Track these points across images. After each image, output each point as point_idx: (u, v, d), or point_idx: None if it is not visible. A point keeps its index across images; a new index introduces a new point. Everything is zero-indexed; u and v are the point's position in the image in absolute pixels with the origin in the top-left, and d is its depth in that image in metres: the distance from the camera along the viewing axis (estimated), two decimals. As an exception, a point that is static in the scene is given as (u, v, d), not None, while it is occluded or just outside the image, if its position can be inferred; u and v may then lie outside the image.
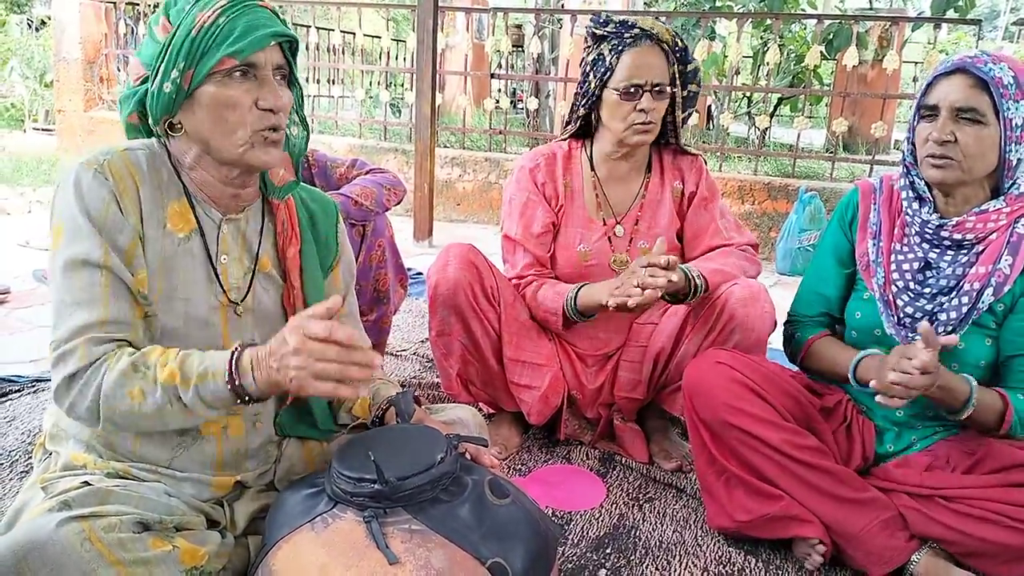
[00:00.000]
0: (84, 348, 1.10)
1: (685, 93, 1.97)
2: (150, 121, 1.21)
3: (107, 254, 1.13)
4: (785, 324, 1.82)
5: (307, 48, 6.41)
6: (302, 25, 6.59)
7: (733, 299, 1.80)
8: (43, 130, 9.08)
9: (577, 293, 1.90)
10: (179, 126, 1.19)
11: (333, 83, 6.64)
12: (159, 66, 1.15)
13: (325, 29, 6.64)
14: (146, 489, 1.16)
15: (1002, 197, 1.51)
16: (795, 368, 1.79)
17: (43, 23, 10.03)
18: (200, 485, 1.25)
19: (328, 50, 6.56)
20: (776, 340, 1.90)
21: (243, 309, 1.27)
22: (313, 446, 1.41)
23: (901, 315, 1.57)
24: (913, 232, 1.59)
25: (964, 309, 1.50)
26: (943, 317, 1.52)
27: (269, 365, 1.07)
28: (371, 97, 6.91)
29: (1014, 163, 1.48)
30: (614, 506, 1.82)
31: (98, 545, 1.00)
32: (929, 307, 1.54)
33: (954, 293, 1.52)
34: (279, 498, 1.20)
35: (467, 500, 1.10)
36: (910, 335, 1.55)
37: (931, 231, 1.55)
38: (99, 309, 1.12)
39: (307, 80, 6.79)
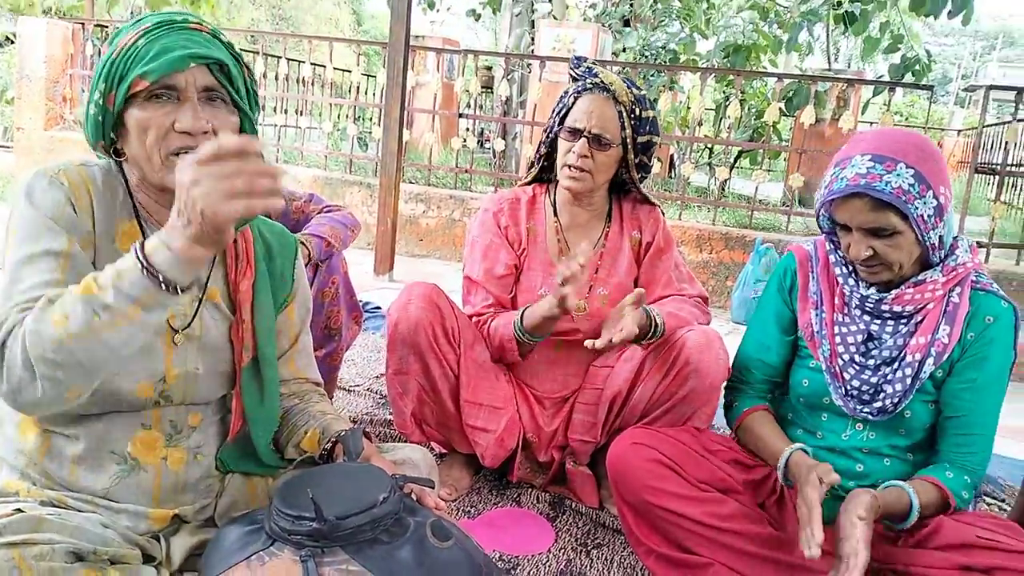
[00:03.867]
0: (14, 315, 1.04)
1: (637, 161, 2.00)
2: (89, 144, 1.20)
3: (71, 243, 1.12)
4: (726, 388, 1.83)
5: (276, 78, 6.41)
6: (273, 55, 6.60)
7: (689, 344, 1.82)
8: (2, 147, 8.91)
9: (524, 312, 1.91)
10: (122, 150, 1.19)
11: (301, 114, 6.64)
12: (91, 89, 1.15)
13: (296, 60, 6.66)
14: (81, 519, 1.13)
15: (938, 268, 1.53)
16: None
17: (8, 39, 9.90)
18: (137, 517, 1.22)
19: (298, 81, 6.57)
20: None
21: (185, 337, 1.24)
22: (257, 482, 1.38)
23: (848, 387, 1.59)
24: (854, 304, 1.60)
25: (908, 381, 1.53)
26: (889, 389, 1.54)
27: (175, 224, 0.98)
28: (339, 130, 6.92)
29: (937, 243, 1.49)
30: (562, 551, 1.81)
31: (28, 573, 0.97)
32: (874, 379, 1.56)
33: (897, 364, 1.54)
34: (217, 534, 1.17)
35: (408, 542, 1.08)
36: (858, 407, 1.57)
37: (871, 304, 1.57)
38: (48, 289, 1.06)
39: (274, 110, 6.77)
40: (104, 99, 1.13)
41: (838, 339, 1.60)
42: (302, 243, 2.03)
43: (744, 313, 4.52)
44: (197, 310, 1.26)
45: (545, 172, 2.10)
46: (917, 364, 1.52)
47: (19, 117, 6.89)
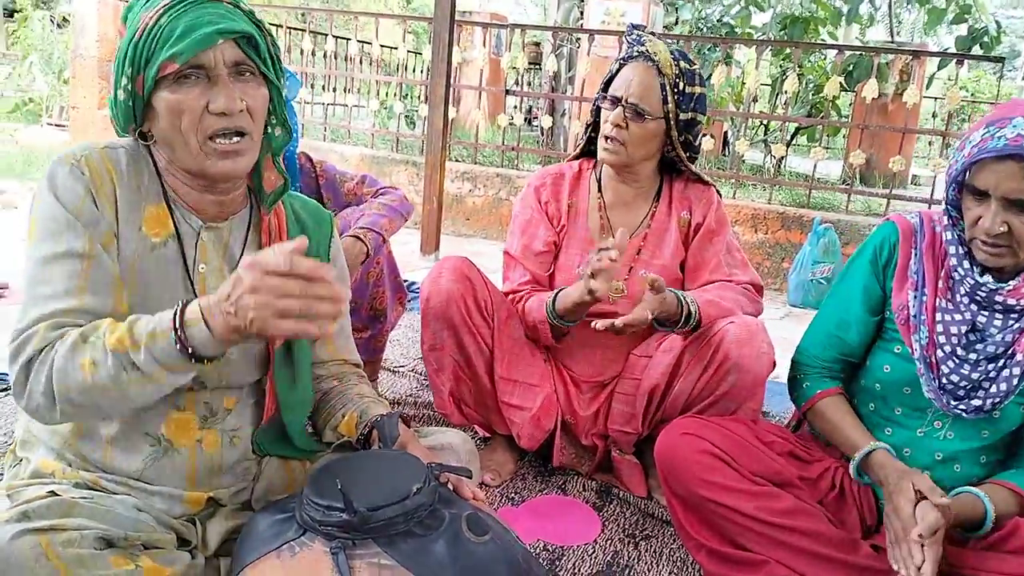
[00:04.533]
0: (42, 332, 1.04)
1: (681, 139, 1.90)
2: (118, 130, 1.16)
3: (90, 243, 1.09)
4: (793, 362, 1.71)
5: (324, 56, 6.40)
6: (320, 33, 6.59)
7: (728, 338, 1.72)
8: (57, 125, 9.12)
9: (555, 298, 1.84)
10: (150, 134, 1.14)
11: (348, 92, 6.63)
12: (115, 75, 1.10)
13: (343, 38, 6.64)
14: (114, 502, 1.11)
15: None
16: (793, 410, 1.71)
17: (65, 20, 10.11)
18: (172, 500, 1.19)
19: (345, 59, 6.55)
20: (782, 372, 1.82)
21: None
22: (295, 465, 1.35)
23: (944, 380, 1.45)
24: (962, 291, 1.45)
25: (1015, 381, 1.40)
26: (992, 389, 1.41)
27: (224, 310, 0.96)
28: (385, 108, 6.89)
29: None
30: (609, 542, 1.74)
31: (54, 561, 0.95)
32: (975, 376, 1.43)
33: (1002, 362, 1.41)
34: (250, 521, 1.14)
35: (442, 535, 1.03)
36: (952, 402, 1.44)
37: (984, 294, 1.42)
38: (73, 300, 1.06)
39: (323, 88, 6.77)
40: (132, 83, 1.09)
41: (939, 327, 1.45)
42: (358, 238, 1.98)
43: (801, 296, 4.37)
44: None
45: (593, 145, 2.01)
46: None
47: (74, 96, 7.02)
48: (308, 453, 1.34)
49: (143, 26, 1.07)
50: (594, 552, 1.69)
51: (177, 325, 0.99)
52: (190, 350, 0.99)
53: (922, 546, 1.30)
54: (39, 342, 1.03)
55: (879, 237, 1.57)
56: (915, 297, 1.49)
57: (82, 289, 1.07)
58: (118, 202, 1.13)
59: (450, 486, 1.17)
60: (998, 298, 1.41)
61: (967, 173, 1.37)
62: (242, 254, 1.24)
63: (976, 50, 6.54)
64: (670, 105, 1.84)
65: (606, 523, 1.82)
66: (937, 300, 1.47)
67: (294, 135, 2.00)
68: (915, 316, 1.49)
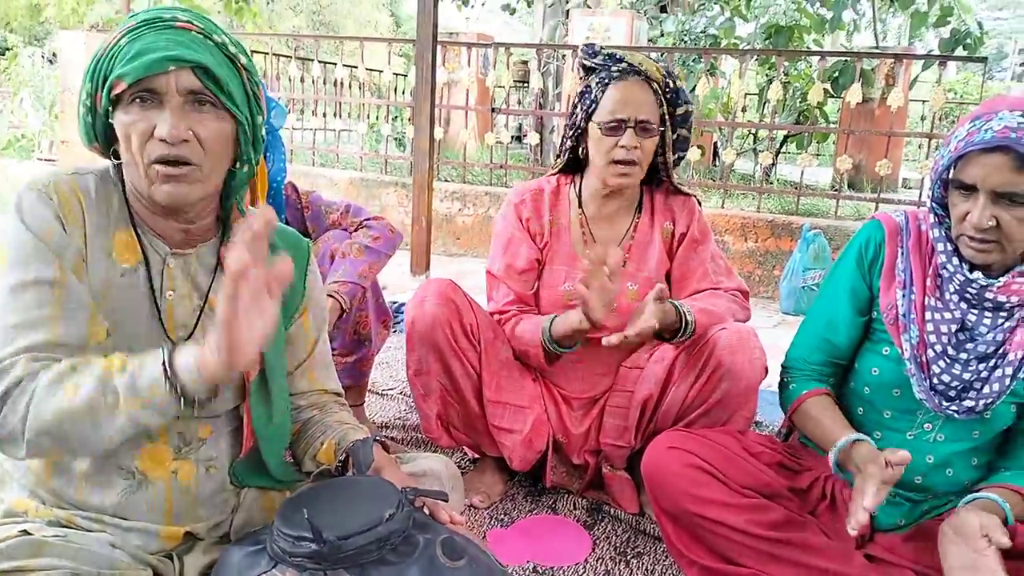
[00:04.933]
0: (24, 362, 1.03)
1: (675, 137, 1.90)
2: (84, 145, 1.16)
3: (61, 270, 1.08)
4: (782, 368, 1.69)
5: (311, 82, 6.42)
6: (306, 59, 6.61)
7: (720, 344, 1.71)
8: (47, 160, 9.14)
9: (552, 321, 1.82)
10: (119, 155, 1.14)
11: (336, 116, 6.64)
12: (80, 89, 1.11)
13: (329, 63, 6.67)
14: (88, 540, 1.09)
15: None
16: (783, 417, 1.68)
17: (55, 55, 10.17)
18: (147, 535, 1.17)
19: (332, 83, 6.57)
20: (775, 380, 1.80)
21: None
22: (275, 496, 1.32)
23: (935, 381, 1.42)
24: (951, 289, 1.42)
25: (1007, 380, 1.37)
26: (985, 390, 1.39)
27: (209, 354, 1.01)
28: (374, 131, 6.91)
29: None
30: (600, 562, 1.71)
31: None
32: (967, 376, 1.40)
33: (994, 361, 1.39)
34: (223, 554, 1.12)
35: (416, 562, 1.01)
36: (943, 403, 1.42)
37: (974, 291, 1.39)
38: (47, 331, 1.05)
39: (311, 114, 6.79)
40: (91, 99, 1.09)
41: (929, 326, 1.42)
42: (332, 296, 1.93)
43: (793, 303, 4.36)
44: (198, 320, 1.20)
45: (570, 163, 2.00)
46: (1018, 363, 1.37)
47: (63, 130, 7.05)
48: (287, 483, 1.32)
49: (108, 44, 1.08)
50: (585, 572, 1.67)
51: (166, 368, 1.02)
52: (179, 391, 1.02)
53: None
54: (21, 370, 1.02)
55: (864, 236, 1.54)
56: (903, 296, 1.46)
57: (55, 317, 1.06)
58: (87, 227, 1.12)
59: (426, 510, 1.15)
60: (988, 295, 1.38)
61: (953, 169, 1.35)
62: (211, 283, 1.23)
63: (960, 52, 6.58)
64: (664, 108, 1.84)
65: (597, 542, 1.79)
66: (926, 298, 1.44)
67: (282, 166, 1.99)
68: (904, 315, 1.46)
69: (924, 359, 1.43)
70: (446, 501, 1.17)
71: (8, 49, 11.57)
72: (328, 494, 1.11)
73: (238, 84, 1.14)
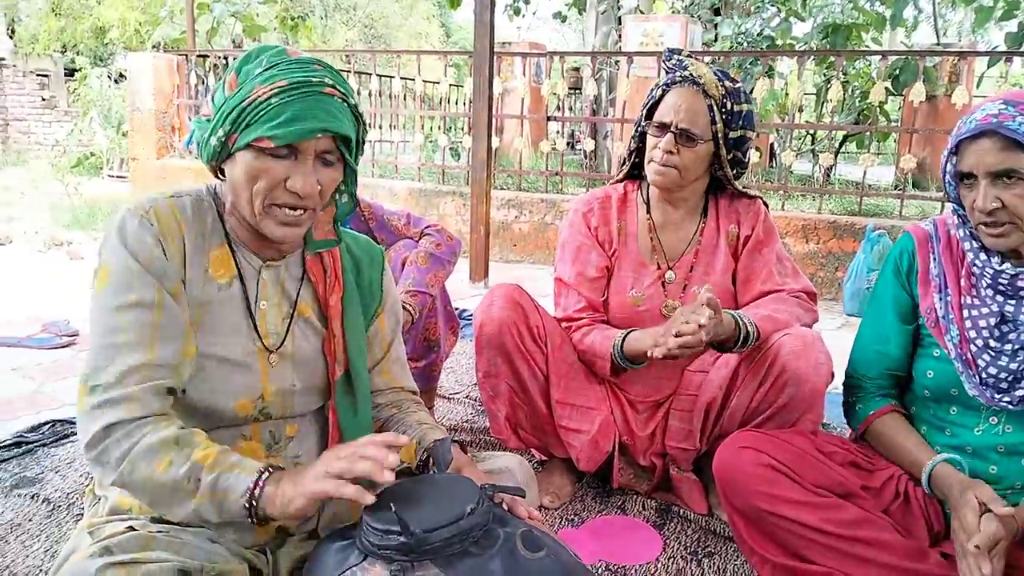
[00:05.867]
0: (135, 399, 1.09)
1: (730, 157, 1.90)
2: (203, 162, 1.22)
3: (159, 293, 1.13)
4: (844, 387, 1.71)
5: (369, 95, 6.55)
6: (364, 72, 6.76)
7: (785, 350, 1.71)
8: (118, 177, 9.50)
9: (624, 339, 1.84)
10: (224, 173, 1.20)
11: (393, 128, 6.77)
12: (215, 120, 1.15)
13: (386, 76, 6.80)
14: (189, 535, 1.15)
15: None
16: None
17: (122, 76, 10.59)
18: (243, 530, 1.23)
19: (389, 96, 6.70)
20: (841, 382, 1.80)
21: (280, 355, 1.26)
22: (359, 494, 1.37)
23: (984, 375, 1.45)
24: (984, 284, 1.46)
25: None
26: None
27: (295, 494, 1.06)
28: (430, 142, 7.02)
29: None
30: (671, 560, 1.73)
31: None
32: (1013, 365, 1.41)
33: None
34: (315, 549, 1.17)
35: (498, 554, 1.04)
36: (996, 396, 1.43)
37: (1005, 281, 1.42)
38: (146, 352, 1.11)
39: (369, 126, 6.92)
40: (226, 137, 1.14)
41: (968, 323, 1.46)
42: (403, 306, 2.00)
43: (857, 305, 4.29)
44: (288, 328, 1.27)
45: (637, 168, 2.03)
46: None
47: (133, 148, 7.32)
48: (370, 482, 1.37)
49: (254, 97, 1.11)
50: (657, 571, 1.69)
51: (253, 498, 1.07)
52: (254, 511, 1.07)
53: (988, 559, 1.27)
54: (128, 409, 1.08)
55: (898, 249, 1.61)
56: (940, 298, 1.51)
57: (153, 339, 1.12)
58: (186, 248, 1.19)
59: (505, 506, 1.19)
60: (1020, 283, 1.41)
61: (952, 164, 1.42)
62: (298, 292, 1.29)
63: (1027, 46, 6.39)
64: (718, 125, 1.84)
65: (668, 542, 1.81)
66: (962, 298, 1.48)
67: None
68: (944, 317, 1.50)
69: (969, 356, 1.46)
70: (523, 497, 1.20)
71: (77, 70, 12.04)
72: (412, 491, 1.15)
73: (356, 137, 1.20)
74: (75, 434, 2.28)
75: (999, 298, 1.45)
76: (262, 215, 1.16)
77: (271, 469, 1.09)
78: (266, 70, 1.13)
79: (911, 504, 1.55)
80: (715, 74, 1.86)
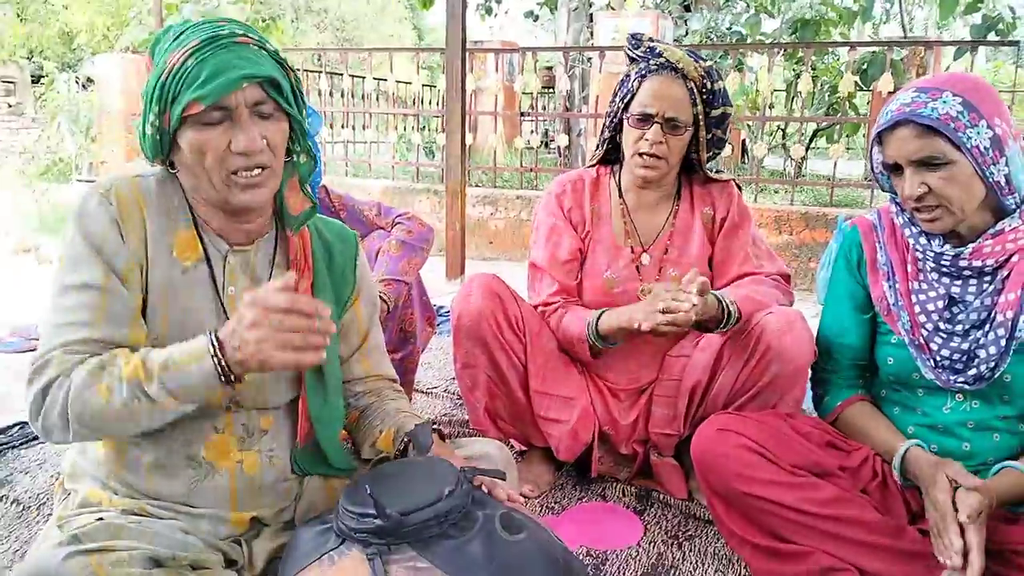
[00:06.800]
0: (59, 357, 1.09)
1: (710, 136, 1.90)
2: (147, 160, 1.20)
3: (106, 275, 1.12)
4: (812, 381, 1.73)
5: (341, 95, 6.52)
6: (336, 73, 6.72)
7: (769, 328, 1.72)
8: (86, 181, 9.35)
9: (599, 318, 1.84)
10: (176, 164, 1.19)
11: (366, 128, 6.74)
12: (144, 107, 1.14)
13: (358, 76, 6.77)
14: (161, 526, 1.13)
15: (1016, 214, 1.41)
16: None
17: (90, 80, 10.43)
18: (217, 522, 1.22)
19: (361, 96, 6.66)
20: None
21: None
22: (336, 483, 1.36)
23: (937, 358, 1.47)
24: (928, 268, 1.49)
25: (1003, 342, 1.40)
26: (983, 354, 1.42)
27: (231, 344, 1.05)
28: (404, 140, 7.00)
29: (1003, 181, 1.37)
30: (652, 545, 1.73)
31: None
32: (965, 345, 1.44)
33: (987, 326, 1.42)
34: (293, 536, 1.16)
35: (477, 536, 1.04)
36: (951, 377, 1.46)
37: (948, 263, 1.45)
38: (88, 330, 1.11)
39: (342, 126, 6.90)
40: (159, 119, 1.12)
41: (917, 308, 1.49)
42: (379, 297, 1.98)
43: (830, 294, 4.33)
44: None
45: (610, 154, 2.02)
46: (1010, 323, 1.39)
47: (102, 151, 7.22)
48: (346, 470, 1.35)
49: (170, 66, 1.10)
50: (638, 555, 1.69)
51: (215, 350, 1.06)
52: (221, 372, 1.06)
53: (962, 533, 1.29)
54: (57, 367, 1.08)
55: (847, 243, 1.66)
56: (889, 286, 1.54)
57: (97, 320, 1.11)
58: (148, 229, 1.17)
59: (484, 489, 1.18)
60: (963, 263, 1.44)
61: (879, 154, 1.46)
62: (270, 276, 1.27)
63: (992, 38, 6.48)
64: (699, 108, 1.84)
65: (648, 526, 1.81)
66: (910, 283, 1.51)
67: (317, 173, 2.05)
68: (894, 304, 1.53)
69: (922, 340, 1.49)
70: (503, 480, 1.19)
71: (44, 76, 11.85)
72: (390, 475, 1.14)
73: (289, 86, 1.18)
74: (45, 436, 2.24)
75: (945, 280, 1.47)
76: (224, 188, 1.15)
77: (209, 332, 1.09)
78: (175, 38, 1.13)
79: (888, 483, 1.56)
80: (689, 55, 1.85)
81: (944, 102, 1.34)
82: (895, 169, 1.43)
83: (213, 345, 1.06)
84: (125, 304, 1.14)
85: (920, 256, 1.50)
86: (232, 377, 1.07)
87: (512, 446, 2.16)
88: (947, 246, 1.45)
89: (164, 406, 1.07)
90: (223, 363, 1.05)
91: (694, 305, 1.60)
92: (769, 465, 1.50)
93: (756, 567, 1.54)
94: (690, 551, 1.71)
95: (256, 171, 1.15)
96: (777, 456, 1.51)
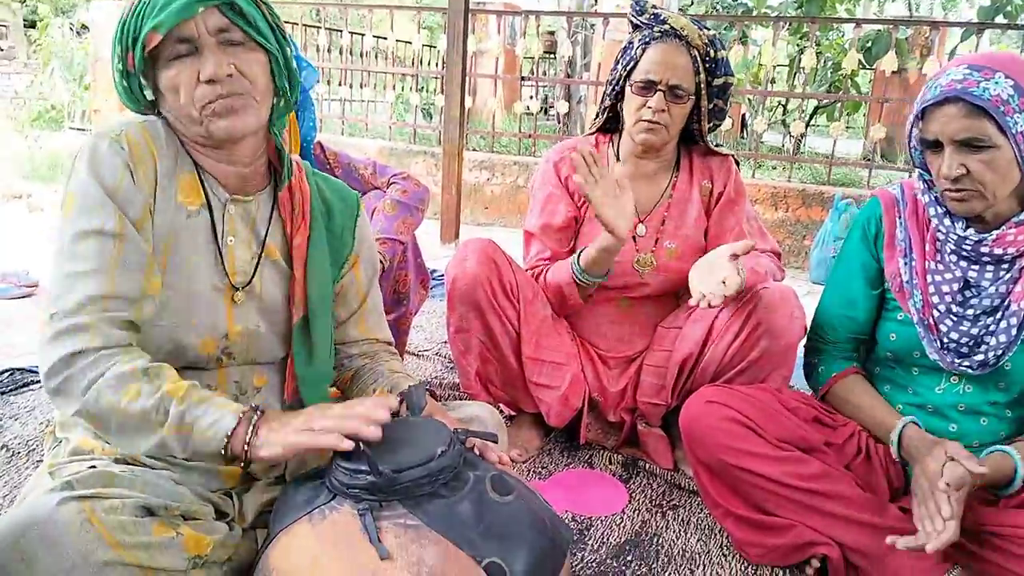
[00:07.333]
0: (97, 328, 1.06)
1: (711, 106, 1.90)
2: (131, 110, 1.19)
3: (121, 222, 1.10)
4: (806, 349, 1.73)
5: (339, 52, 6.43)
6: (335, 29, 6.62)
7: (761, 303, 1.73)
8: (79, 130, 9.24)
9: (580, 255, 1.84)
10: (163, 111, 1.17)
11: (364, 87, 6.66)
12: (112, 54, 1.13)
13: (358, 33, 6.67)
14: (153, 475, 1.13)
15: None
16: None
17: (84, 27, 10.25)
18: (208, 474, 1.22)
19: (360, 54, 6.58)
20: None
21: (245, 294, 1.23)
22: (327, 442, 1.36)
23: (945, 340, 1.47)
24: (948, 249, 1.48)
25: (1014, 331, 1.40)
26: (992, 341, 1.42)
27: (256, 445, 1.06)
28: (402, 101, 6.92)
29: None
30: (636, 512, 1.76)
31: (98, 527, 0.97)
32: (974, 331, 1.44)
33: (1000, 314, 1.42)
34: (284, 490, 1.17)
35: (467, 496, 1.05)
36: (956, 360, 1.46)
37: (969, 247, 1.44)
38: (106, 282, 1.08)
39: (339, 84, 6.81)
40: (123, 62, 1.11)
41: (931, 288, 1.48)
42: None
43: (823, 273, 4.35)
44: (256, 267, 1.24)
45: (609, 123, 2.01)
46: (1023, 314, 1.40)
47: (95, 100, 7.12)
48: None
49: (131, 4, 1.10)
50: (622, 522, 1.71)
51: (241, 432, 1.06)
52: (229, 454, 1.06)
53: (949, 500, 1.30)
54: (94, 339, 1.06)
55: (865, 214, 1.62)
56: (905, 263, 1.52)
57: (112, 270, 1.09)
58: (157, 174, 1.15)
59: (476, 451, 1.19)
60: (984, 249, 1.42)
61: (918, 130, 1.42)
62: (267, 231, 1.27)
63: (1000, 21, 6.44)
64: (702, 76, 1.83)
65: (633, 494, 1.83)
66: (926, 263, 1.50)
67: (312, 125, 2.02)
68: (908, 281, 1.51)
69: (931, 320, 1.48)
70: (495, 442, 1.20)
71: (40, 20, 11.64)
72: (384, 433, 1.15)
73: (261, 16, 1.16)
74: (35, 382, 2.23)
75: (963, 263, 1.46)
76: (204, 122, 1.13)
77: (245, 411, 1.07)
78: None
79: (872, 460, 1.58)
80: (693, 23, 1.84)
81: (996, 83, 1.30)
82: (934, 146, 1.39)
83: (234, 433, 1.06)
84: (139, 252, 1.12)
85: (941, 237, 1.48)
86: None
87: (502, 411, 2.17)
88: (971, 230, 1.43)
89: (168, 432, 1.06)
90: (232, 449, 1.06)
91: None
92: (756, 438, 1.52)
93: (739, 538, 1.56)
94: (674, 520, 1.73)
95: (234, 98, 1.12)
96: (764, 430, 1.53)
